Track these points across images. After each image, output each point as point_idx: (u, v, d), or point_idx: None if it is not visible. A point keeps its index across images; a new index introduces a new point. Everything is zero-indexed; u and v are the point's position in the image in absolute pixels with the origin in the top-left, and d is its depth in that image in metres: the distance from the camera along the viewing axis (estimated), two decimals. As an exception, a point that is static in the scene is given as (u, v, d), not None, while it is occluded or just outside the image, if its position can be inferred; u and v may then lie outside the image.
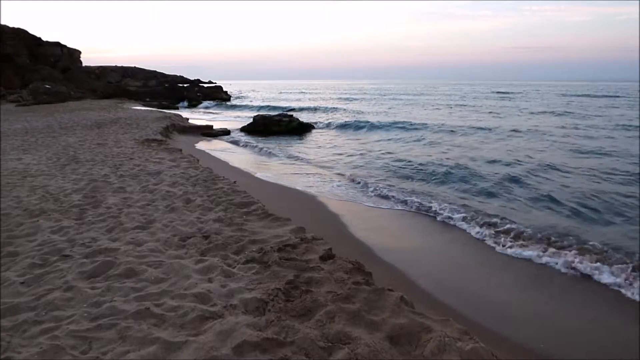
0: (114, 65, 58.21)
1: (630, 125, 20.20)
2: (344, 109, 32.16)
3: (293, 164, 11.71)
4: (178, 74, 65.08)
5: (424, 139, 16.75)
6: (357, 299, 3.05)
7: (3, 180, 7.09)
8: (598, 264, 4.90)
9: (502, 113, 28.59)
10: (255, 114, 22.51)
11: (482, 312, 3.97)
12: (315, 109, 32.83)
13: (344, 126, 21.43)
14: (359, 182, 9.19)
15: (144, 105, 33.61)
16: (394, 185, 9.01)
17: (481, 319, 3.83)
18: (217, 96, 48.63)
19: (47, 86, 32.94)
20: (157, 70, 62.64)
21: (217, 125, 19.79)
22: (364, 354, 2.42)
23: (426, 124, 21.30)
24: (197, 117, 27.06)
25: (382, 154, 13.22)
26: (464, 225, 6.37)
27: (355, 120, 22.81)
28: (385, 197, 8.05)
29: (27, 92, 31.41)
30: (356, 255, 4.20)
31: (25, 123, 16.99)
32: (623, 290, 4.42)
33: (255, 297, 3.07)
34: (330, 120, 23.68)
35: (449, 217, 6.70)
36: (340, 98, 50.49)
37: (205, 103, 42.86)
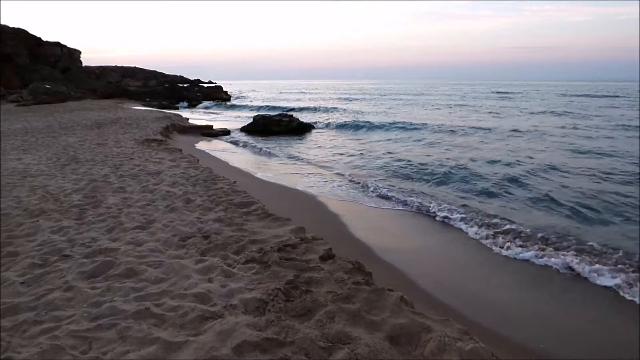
0: (114, 65, 58.28)
1: (630, 126, 20.21)
2: (344, 109, 32.15)
3: (293, 164, 11.71)
4: (178, 74, 65.16)
5: (424, 139, 16.75)
6: (357, 299, 3.05)
7: (3, 180, 7.10)
8: (597, 265, 4.90)
9: (502, 113, 28.59)
10: (255, 114, 22.51)
11: (482, 312, 3.97)
12: (315, 109, 32.82)
13: (344, 126, 21.43)
14: (359, 182, 9.19)
15: (144, 105, 33.61)
16: (394, 186, 9.01)
17: (481, 319, 3.83)
18: (217, 96, 48.64)
19: (47, 86, 32.95)
20: (157, 70, 62.71)
21: (217, 125, 19.79)
22: (364, 354, 2.42)
23: (426, 124, 21.30)
24: (197, 117, 27.07)
25: (382, 154, 13.22)
26: (464, 226, 6.37)
27: (355, 120, 22.81)
28: (386, 197, 8.05)
29: (27, 92, 31.41)
30: (356, 255, 4.20)
31: (25, 123, 16.99)
32: (622, 291, 4.42)
33: (255, 297, 3.07)
34: (330, 120, 23.68)
35: (449, 218, 6.70)
36: (340, 98, 50.49)
37: (205, 103, 42.87)
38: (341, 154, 13.33)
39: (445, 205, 7.38)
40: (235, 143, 15.56)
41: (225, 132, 17.91)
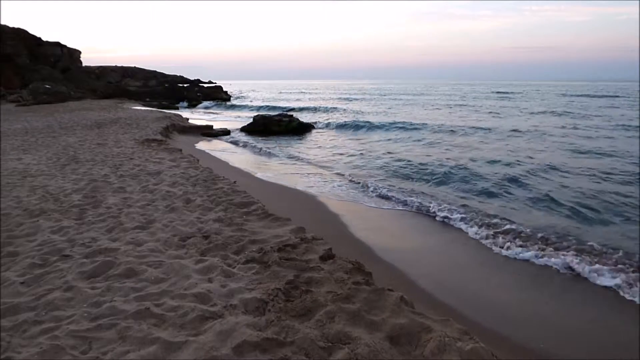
0: (114, 65, 58.28)
1: (630, 126, 20.21)
2: (344, 109, 32.15)
3: (293, 164, 11.71)
4: (178, 74, 65.15)
5: (424, 139, 16.75)
6: (357, 299, 3.05)
7: (3, 180, 7.10)
8: (597, 265, 4.90)
9: (502, 113, 28.59)
10: (255, 114, 22.52)
11: (482, 312, 3.97)
12: (315, 109, 32.82)
13: (343, 126, 21.43)
14: (359, 182, 9.19)
15: (144, 105, 33.62)
16: (394, 186, 9.01)
17: (481, 319, 3.83)
18: (217, 96, 48.64)
19: (47, 86, 32.95)
20: (157, 70, 62.71)
21: (217, 125, 19.79)
22: (364, 354, 2.42)
23: (426, 124, 21.30)
24: (197, 117, 27.07)
25: (382, 154, 13.22)
26: (464, 226, 6.37)
27: (355, 120, 22.81)
28: (386, 197, 8.05)
29: (27, 92, 31.42)
30: (356, 255, 4.20)
31: (25, 123, 16.99)
32: (622, 291, 4.42)
33: (255, 297, 3.07)
34: (330, 120, 23.68)
35: (449, 218, 6.70)
36: (340, 98, 50.48)
37: (205, 103, 42.88)
38: (341, 154, 13.33)
39: (445, 205, 7.38)
40: (235, 143, 15.56)
41: (225, 132, 17.91)
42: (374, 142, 16.16)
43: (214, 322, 2.78)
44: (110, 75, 53.56)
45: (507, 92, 60.00)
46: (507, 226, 6.26)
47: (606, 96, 49.93)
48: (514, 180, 9.29)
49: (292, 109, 31.66)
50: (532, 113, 28.32)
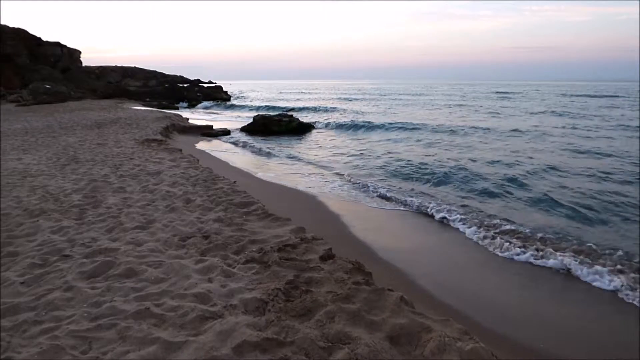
0: (114, 65, 58.21)
1: (629, 126, 20.22)
2: (344, 109, 32.16)
3: (293, 164, 11.71)
4: (178, 74, 65.08)
5: (424, 139, 16.75)
6: (357, 299, 3.05)
7: (3, 180, 7.10)
8: (597, 266, 4.90)
9: (502, 113, 28.60)
10: (255, 114, 22.51)
11: (482, 312, 3.97)
12: (315, 109, 32.83)
13: (343, 126, 21.43)
14: (359, 182, 9.19)
15: (144, 105, 33.61)
16: (394, 186, 9.02)
17: (481, 319, 3.83)
18: (217, 96, 48.63)
19: (47, 86, 32.95)
20: (157, 70, 62.64)
21: (217, 125, 19.80)
22: (364, 354, 2.42)
23: (426, 124, 21.30)
24: (197, 117, 27.07)
25: (382, 154, 13.22)
26: (464, 226, 6.36)
27: (355, 120, 22.81)
28: (386, 198, 8.05)
29: (27, 92, 31.41)
30: (356, 255, 4.20)
31: (25, 123, 16.99)
32: (622, 292, 4.42)
33: (255, 297, 3.07)
34: (330, 120, 23.68)
35: (449, 218, 6.70)
36: (340, 98, 50.49)
37: (205, 103, 42.86)
38: (341, 154, 13.33)
39: (445, 205, 7.38)
40: (235, 143, 15.56)
41: (225, 132, 17.91)
42: (373, 142, 16.16)
43: (214, 322, 2.78)
44: (110, 75, 53.54)
45: (507, 92, 60.01)
46: (507, 226, 6.27)
47: (606, 96, 49.94)
48: (513, 180, 9.29)
49: (292, 109, 31.66)
50: (532, 113, 28.32)
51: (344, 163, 11.76)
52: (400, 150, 13.91)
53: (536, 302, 4.27)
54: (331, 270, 3.54)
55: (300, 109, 32.40)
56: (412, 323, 2.73)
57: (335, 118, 25.57)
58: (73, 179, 7.25)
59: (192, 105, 40.64)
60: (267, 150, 13.83)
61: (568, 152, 13.23)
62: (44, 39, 44.29)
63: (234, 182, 7.04)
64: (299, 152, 13.61)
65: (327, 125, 22.15)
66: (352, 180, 9.50)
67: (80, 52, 50.03)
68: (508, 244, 5.60)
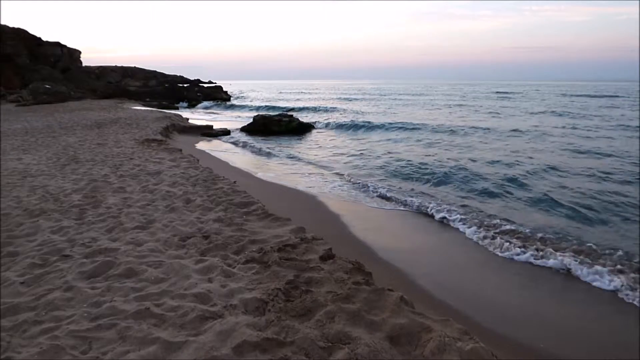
0: (114, 65, 58.18)
1: (629, 126, 20.22)
2: (344, 109, 32.16)
3: (293, 164, 11.71)
4: (178, 74, 65.04)
5: (424, 139, 16.75)
6: (357, 299, 3.05)
7: (3, 180, 7.10)
8: (597, 266, 4.90)
9: (502, 113, 28.60)
10: (255, 114, 22.52)
11: (482, 312, 3.97)
12: (315, 109, 32.83)
13: (343, 126, 21.43)
14: (359, 182, 9.19)
15: (144, 105, 33.61)
16: (394, 186, 9.02)
17: (481, 319, 3.83)
18: (217, 96, 48.62)
19: (47, 86, 32.95)
20: (157, 70, 62.60)
21: (217, 125, 19.80)
22: (364, 354, 2.42)
23: (426, 124, 21.31)
24: (197, 117, 27.08)
25: (382, 154, 13.22)
26: (464, 226, 6.37)
27: (355, 120, 22.81)
28: (386, 198, 8.05)
29: (27, 92, 31.41)
30: (356, 255, 4.20)
31: (25, 123, 16.99)
32: (622, 292, 4.42)
33: (255, 297, 3.07)
34: (330, 120, 23.68)
35: (449, 218, 6.70)
36: (340, 98, 50.49)
37: (205, 103, 42.87)
38: (341, 154, 13.33)
39: (445, 205, 7.38)
40: (235, 143, 15.56)
41: (225, 132, 17.91)
42: (374, 142, 16.16)
43: (214, 322, 2.78)
44: (110, 75, 53.54)
45: (507, 92, 60.01)
46: (507, 226, 6.27)
47: (606, 96, 49.93)
48: (513, 180, 9.29)
49: (292, 109, 31.67)
50: (532, 113, 28.32)
51: (344, 163, 11.76)
52: (400, 150, 13.91)
53: (536, 302, 4.27)
54: (331, 270, 3.54)
55: (300, 109, 32.40)
56: (412, 323, 2.73)
57: (335, 118, 25.57)
58: (73, 179, 7.25)
59: (192, 105, 40.64)
60: (267, 150, 13.83)
61: (568, 152, 13.23)
62: (44, 39, 44.33)
63: (234, 182, 7.04)
64: (299, 152, 13.61)
65: (327, 125, 22.15)
66: (352, 180, 9.50)
67: (80, 52, 50.05)
68: (508, 244, 5.60)
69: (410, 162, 11.48)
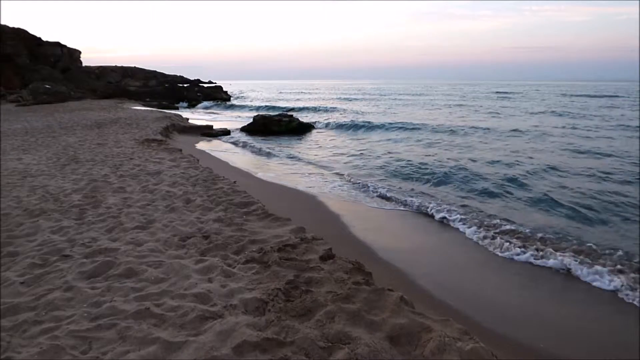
0: (114, 65, 58.16)
1: (629, 126, 20.22)
2: (344, 109, 32.16)
3: (293, 164, 11.71)
4: (178, 74, 65.03)
5: (424, 139, 16.75)
6: (357, 299, 3.05)
7: (3, 180, 7.10)
8: (597, 266, 4.90)
9: (502, 113, 28.60)
10: (255, 114, 22.52)
11: (482, 312, 3.97)
12: (315, 109, 32.84)
13: (343, 126, 21.43)
14: (359, 182, 9.19)
15: (144, 105, 33.61)
16: (394, 186, 9.02)
17: (481, 319, 3.83)
18: (217, 96, 48.63)
19: (47, 86, 32.95)
20: (157, 70, 62.58)
21: (217, 125, 19.79)
22: (364, 354, 2.42)
23: (426, 124, 21.31)
24: (197, 117, 27.07)
25: (382, 153, 13.22)
26: (464, 226, 6.36)
27: (355, 120, 22.81)
28: (386, 198, 8.05)
29: (27, 92, 31.41)
30: (356, 255, 4.20)
31: (25, 123, 16.99)
32: (622, 292, 4.42)
33: (255, 297, 3.07)
34: (330, 120, 23.68)
35: (449, 218, 6.71)
36: (340, 98, 50.50)
37: (205, 103, 42.86)
38: (341, 154, 13.33)
39: (445, 205, 7.38)
40: (235, 143, 15.56)
41: (225, 132, 17.91)
42: (374, 142, 16.16)
43: (214, 322, 2.78)
44: (110, 75, 53.53)
45: (507, 92, 60.01)
46: (507, 226, 6.27)
47: (606, 96, 49.94)
48: (513, 180, 9.29)
49: (292, 109, 31.67)
50: (532, 113, 28.32)
51: (344, 163, 11.76)
52: (400, 150, 13.91)
53: (536, 302, 4.27)
54: (331, 270, 3.54)
55: (300, 109, 32.40)
56: (412, 323, 2.73)
57: (335, 118, 25.58)
58: (73, 179, 7.25)
59: (192, 105, 40.64)
60: (267, 150, 13.83)
61: (568, 152, 13.23)
62: (44, 39, 44.33)
63: (234, 182, 7.04)
64: (299, 152, 13.61)
65: (327, 125, 22.15)
66: (352, 180, 9.50)
67: (80, 52, 50.05)
68: (508, 244, 5.60)
69: (410, 162, 11.48)
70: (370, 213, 7.20)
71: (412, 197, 7.98)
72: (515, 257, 5.26)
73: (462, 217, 6.69)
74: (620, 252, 5.33)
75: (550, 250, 5.38)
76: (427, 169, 10.58)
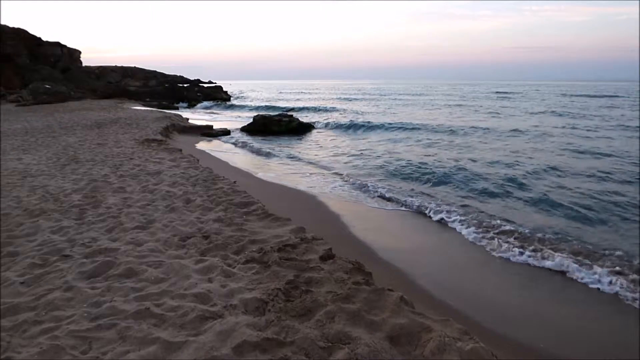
0: (114, 65, 58.15)
1: (629, 126, 20.22)
2: (344, 109, 32.17)
3: (293, 164, 11.71)
4: (178, 74, 65.00)
5: (423, 139, 16.75)
6: (357, 299, 3.05)
7: (3, 180, 7.10)
8: (597, 267, 4.90)
9: (502, 113, 28.60)
10: (255, 114, 22.52)
11: (482, 312, 3.97)
12: (315, 109, 32.84)
13: (343, 126, 21.43)
14: (359, 182, 9.19)
15: (144, 105, 33.61)
16: (394, 186, 9.02)
17: (481, 319, 3.83)
18: (217, 96, 48.62)
19: (47, 86, 32.95)
20: (157, 70, 62.57)
21: (217, 125, 19.79)
22: (364, 354, 2.42)
23: (426, 124, 21.31)
24: (197, 117, 27.07)
25: (382, 153, 13.23)
26: (464, 226, 6.37)
27: (355, 120, 22.81)
28: (385, 198, 8.05)
29: (27, 92, 31.41)
30: (356, 255, 4.20)
31: (25, 123, 16.99)
32: (621, 292, 4.42)
33: (255, 297, 3.07)
34: (330, 120, 23.68)
35: (449, 218, 6.71)
36: (340, 98, 50.50)
37: (205, 103, 42.86)
38: (341, 154, 13.33)
39: (445, 205, 7.38)
40: (235, 143, 15.56)
41: (225, 132, 17.91)
42: (373, 142, 16.16)
43: (214, 322, 2.78)
44: (110, 75, 53.53)
45: (507, 92, 60.01)
46: (507, 227, 6.27)
47: (606, 96, 49.94)
48: (513, 180, 9.29)
49: (292, 109, 31.67)
50: (532, 113, 28.31)
51: (344, 163, 11.76)
52: (400, 150, 13.91)
53: (536, 302, 4.27)
54: (331, 270, 3.54)
55: (300, 109, 32.40)
56: (412, 323, 2.73)
57: (335, 118, 25.58)
58: (73, 179, 7.25)
59: (192, 105, 40.63)
60: (267, 150, 13.83)
61: (568, 152, 13.23)
62: (44, 39, 44.32)
63: (234, 182, 7.04)
64: (299, 152, 13.61)
65: (327, 125, 22.15)
66: (352, 180, 9.50)
67: (80, 52, 50.04)
68: (507, 244, 5.60)
69: (410, 162, 11.48)
70: (370, 213, 7.20)
71: (412, 197, 7.98)
72: (516, 258, 5.26)
73: (462, 217, 6.70)
74: (620, 253, 5.34)
75: (550, 250, 5.39)
76: (427, 169, 10.58)
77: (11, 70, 38.23)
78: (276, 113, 23.03)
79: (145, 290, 3.26)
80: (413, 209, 7.33)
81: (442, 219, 6.73)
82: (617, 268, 4.89)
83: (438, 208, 7.16)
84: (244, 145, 15.04)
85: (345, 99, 48.92)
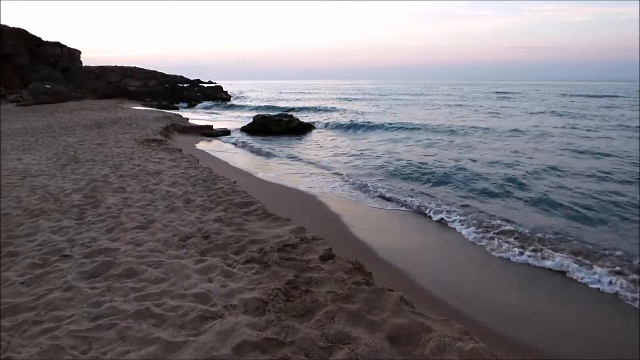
0: (114, 65, 58.14)
1: (629, 126, 20.22)
2: (344, 109, 32.17)
3: (293, 164, 11.71)
4: (178, 74, 64.98)
5: (423, 139, 16.75)
6: (357, 299, 3.05)
7: (3, 180, 7.10)
8: (597, 267, 4.90)
9: (502, 113, 28.60)
10: (255, 114, 22.52)
11: (482, 312, 3.97)
12: (315, 109, 32.85)
13: (343, 126, 21.43)
14: (359, 182, 9.19)
15: (144, 105, 33.61)
16: (394, 186, 9.02)
17: (481, 319, 3.83)
18: (217, 96, 48.63)
19: (47, 86, 32.95)
20: (157, 70, 62.55)
21: (217, 125, 19.79)
22: (364, 354, 2.42)
23: (426, 124, 21.31)
24: (197, 117, 27.07)
25: (382, 153, 13.23)
26: (464, 226, 6.37)
27: (355, 120, 22.81)
28: (385, 198, 8.05)
29: (27, 92, 31.41)
30: (356, 255, 4.20)
31: (25, 123, 16.99)
32: (622, 292, 4.42)
33: (255, 297, 3.07)
34: (330, 120, 23.68)
35: (448, 218, 6.71)
36: (340, 98, 50.50)
37: (205, 103, 42.87)
38: (341, 154, 13.33)
39: (445, 205, 7.38)
40: (235, 143, 15.56)
41: (225, 132, 17.91)
42: (373, 142, 16.16)
43: (214, 322, 2.78)
44: (110, 75, 53.52)
45: (507, 92, 60.02)
46: (507, 227, 6.27)
47: (606, 96, 49.94)
48: (513, 180, 9.29)
49: (292, 109, 31.67)
50: (532, 113, 28.31)
51: (344, 163, 11.76)
52: (400, 150, 13.91)
53: (536, 302, 4.27)
54: (331, 270, 3.54)
55: (300, 109, 32.41)
56: (412, 323, 2.73)
57: (335, 118, 25.58)
58: (73, 179, 7.25)
59: (192, 105, 40.63)
60: (267, 150, 13.83)
61: (568, 152, 13.23)
62: (44, 39, 44.32)
63: (234, 182, 7.04)
64: (299, 152, 13.61)
65: (327, 125, 22.15)
66: (352, 180, 9.50)
67: (80, 52, 50.04)
68: (507, 244, 5.60)
69: (410, 162, 11.48)
70: (371, 213, 7.20)
71: (412, 197, 7.98)
72: (516, 258, 5.26)
73: (462, 217, 6.70)
74: (620, 253, 5.34)
75: (550, 250, 5.39)
76: (427, 169, 10.58)
77: (11, 70, 38.23)
78: (276, 113, 23.03)
79: (145, 290, 3.26)
80: (413, 209, 7.33)
81: (442, 219, 6.73)
82: (617, 268, 4.89)
83: (438, 208, 7.16)
84: (244, 145, 15.03)
85: (345, 99, 48.92)
